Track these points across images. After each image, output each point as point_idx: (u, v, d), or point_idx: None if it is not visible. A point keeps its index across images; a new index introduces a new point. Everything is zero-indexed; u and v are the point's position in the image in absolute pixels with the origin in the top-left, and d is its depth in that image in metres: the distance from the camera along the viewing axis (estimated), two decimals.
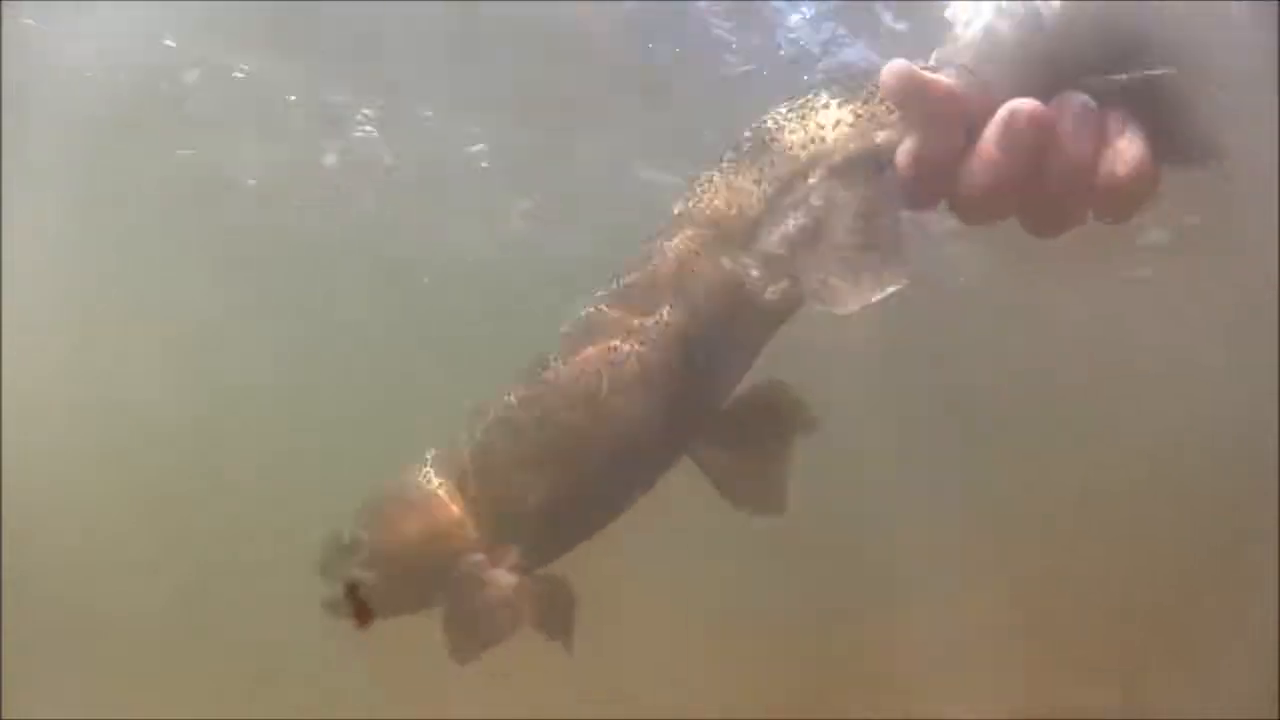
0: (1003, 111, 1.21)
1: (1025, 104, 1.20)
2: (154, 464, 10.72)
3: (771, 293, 1.57)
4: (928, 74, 1.28)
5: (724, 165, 1.59)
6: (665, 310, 1.61)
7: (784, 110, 1.56)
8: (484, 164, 6.02)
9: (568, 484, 1.74)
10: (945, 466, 8.89)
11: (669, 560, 7.59)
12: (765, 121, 1.57)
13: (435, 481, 1.85)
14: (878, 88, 1.47)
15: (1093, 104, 1.19)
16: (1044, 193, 1.22)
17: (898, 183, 1.39)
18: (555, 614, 1.87)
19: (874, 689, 6.13)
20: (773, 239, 1.54)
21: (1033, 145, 1.19)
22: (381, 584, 1.85)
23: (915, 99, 1.30)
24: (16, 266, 7.79)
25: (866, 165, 1.46)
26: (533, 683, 6.43)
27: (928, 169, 1.31)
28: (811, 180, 1.51)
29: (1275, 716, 4.81)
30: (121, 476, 10.01)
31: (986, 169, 1.22)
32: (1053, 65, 1.23)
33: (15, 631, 5.97)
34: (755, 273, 1.57)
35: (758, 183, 1.55)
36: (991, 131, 1.22)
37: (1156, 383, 8.07)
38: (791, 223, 1.52)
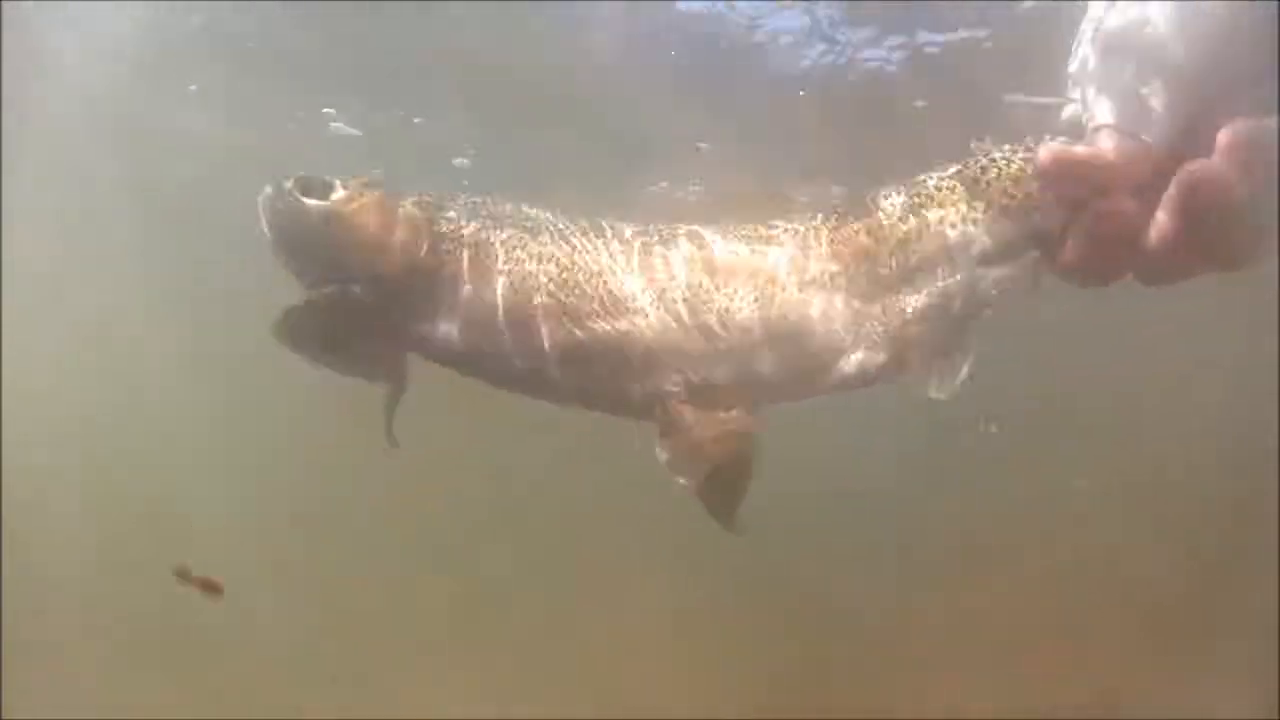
0: (1181, 184, 1.10)
1: (1202, 172, 1.08)
2: (154, 466, 10.70)
3: (871, 356, 1.57)
4: (1085, 154, 1.17)
5: (876, 210, 1.56)
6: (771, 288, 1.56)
7: (941, 175, 1.55)
8: (465, 182, 6.01)
9: (537, 338, 1.66)
10: (947, 465, 8.88)
11: (665, 562, 7.59)
12: (927, 180, 1.56)
13: (445, 219, 1.75)
14: (1028, 158, 1.46)
15: (1258, 131, 1.08)
16: (1235, 241, 1.14)
17: (1050, 267, 1.37)
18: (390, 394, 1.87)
19: (873, 687, 6.13)
20: (897, 304, 1.53)
21: (1218, 206, 1.09)
22: (313, 248, 1.74)
23: (1077, 182, 1.20)
24: (16, 269, 7.79)
25: (1013, 251, 1.47)
26: (537, 683, 6.44)
27: (1105, 248, 1.22)
28: (951, 260, 1.51)
29: (1275, 717, 4.81)
30: (121, 478, 10.01)
31: (1174, 241, 1.13)
32: (1209, 82, 1.11)
33: (15, 631, 5.97)
34: (858, 323, 1.55)
35: (902, 246, 1.54)
36: (1174, 205, 1.12)
37: (1156, 384, 8.07)
38: (918, 297, 1.52)
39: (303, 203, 1.71)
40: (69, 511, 9.07)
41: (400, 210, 1.74)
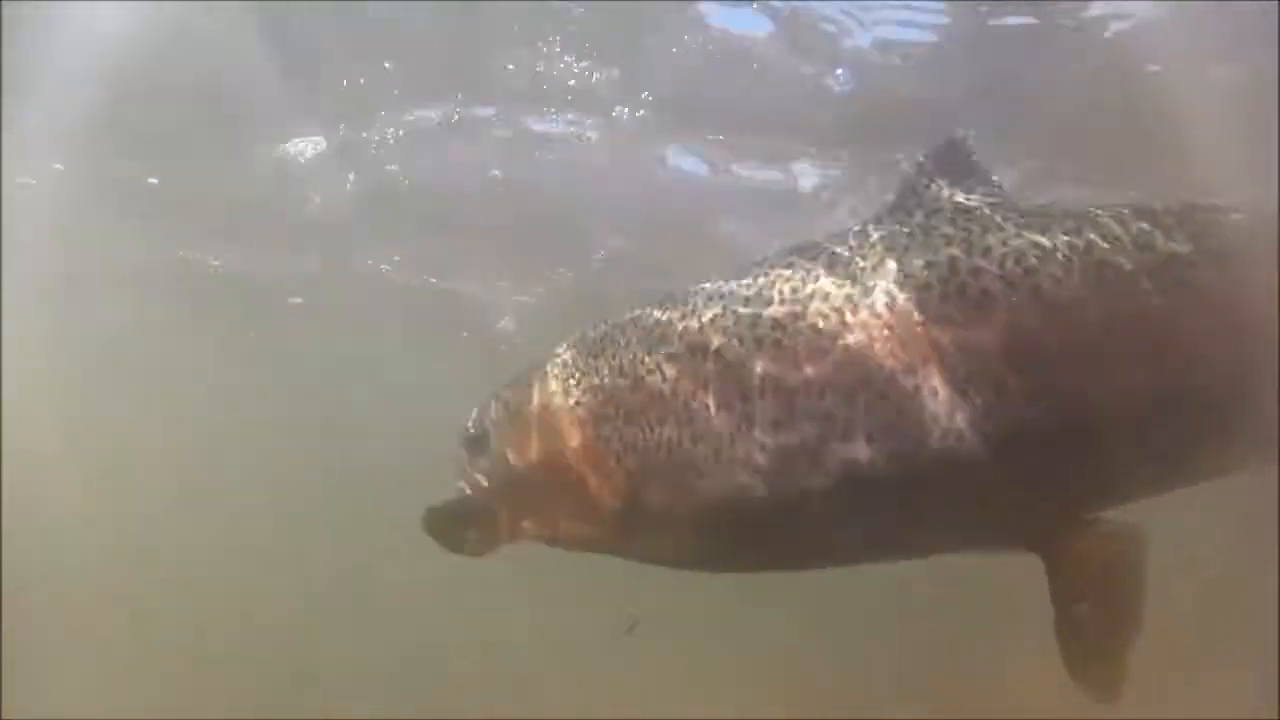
0: None
1: None
2: (153, 471, 10.69)
3: None
4: None
5: None
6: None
7: None
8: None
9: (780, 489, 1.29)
10: None
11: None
12: None
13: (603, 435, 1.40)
14: None
15: None
16: None
17: None
18: None
19: (869, 691, 6.11)
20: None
21: None
22: (499, 495, 1.57)
23: None
24: (19, 279, 7.77)
25: None
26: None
27: None
28: None
29: (1276, 717, 4.79)
30: (120, 482, 10.00)
31: None
32: None
33: (15, 631, 5.96)
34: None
35: None
36: None
37: None
38: None
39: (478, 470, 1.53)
40: (69, 513, 9.08)
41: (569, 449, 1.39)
